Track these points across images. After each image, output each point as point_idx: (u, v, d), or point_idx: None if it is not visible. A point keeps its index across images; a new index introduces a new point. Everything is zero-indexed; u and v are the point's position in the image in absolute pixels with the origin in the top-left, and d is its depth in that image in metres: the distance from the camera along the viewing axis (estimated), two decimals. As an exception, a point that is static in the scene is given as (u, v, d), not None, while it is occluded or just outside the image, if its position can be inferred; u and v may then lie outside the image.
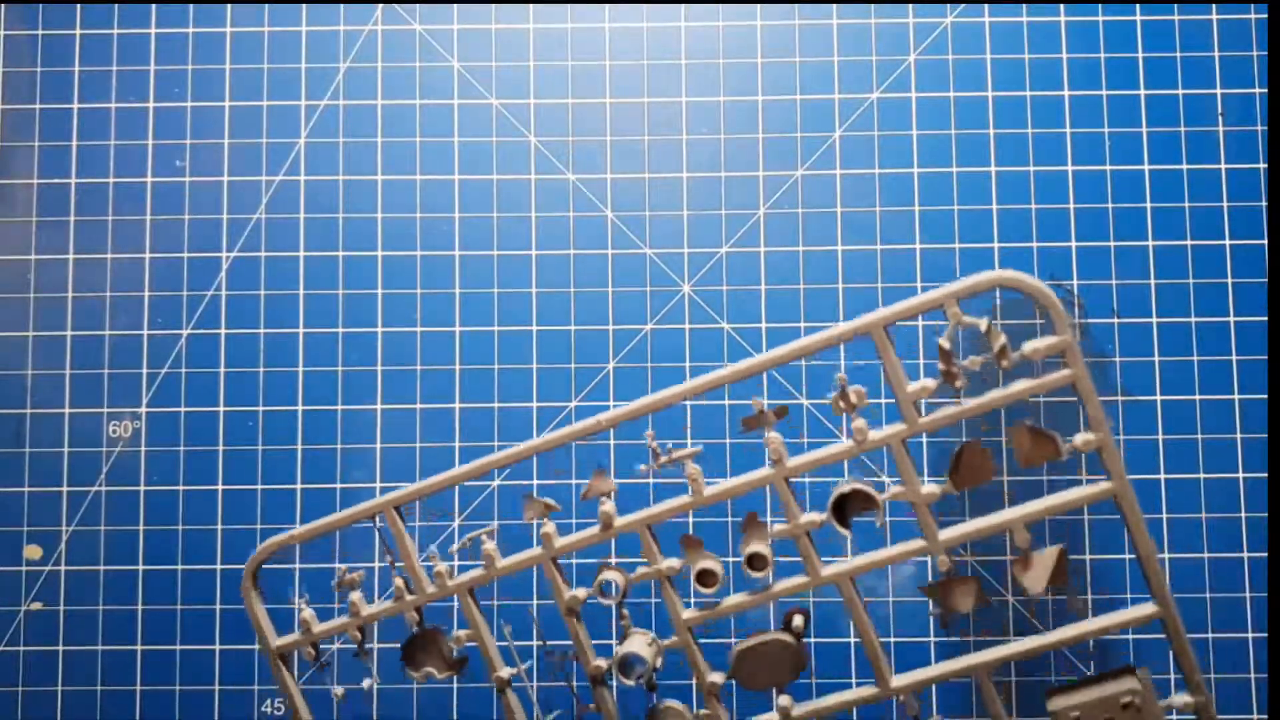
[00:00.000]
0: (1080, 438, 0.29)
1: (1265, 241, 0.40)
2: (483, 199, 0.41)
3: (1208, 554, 0.39)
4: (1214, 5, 0.41)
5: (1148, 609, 0.30)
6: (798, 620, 0.31)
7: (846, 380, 0.30)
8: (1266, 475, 0.39)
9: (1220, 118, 0.41)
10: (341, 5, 0.42)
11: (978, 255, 0.40)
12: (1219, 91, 0.41)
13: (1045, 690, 0.31)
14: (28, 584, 0.40)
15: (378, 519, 0.34)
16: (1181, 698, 0.30)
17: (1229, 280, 0.40)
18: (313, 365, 0.40)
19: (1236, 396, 0.39)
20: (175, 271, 0.41)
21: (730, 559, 0.34)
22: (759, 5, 0.42)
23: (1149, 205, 0.40)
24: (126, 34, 0.42)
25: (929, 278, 0.40)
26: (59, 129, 0.41)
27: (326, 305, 0.41)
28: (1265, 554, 0.39)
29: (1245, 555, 0.39)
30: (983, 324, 0.28)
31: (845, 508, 0.31)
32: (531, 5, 0.42)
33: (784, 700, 0.32)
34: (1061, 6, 0.41)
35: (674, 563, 0.32)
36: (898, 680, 0.31)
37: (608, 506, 0.32)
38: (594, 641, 0.33)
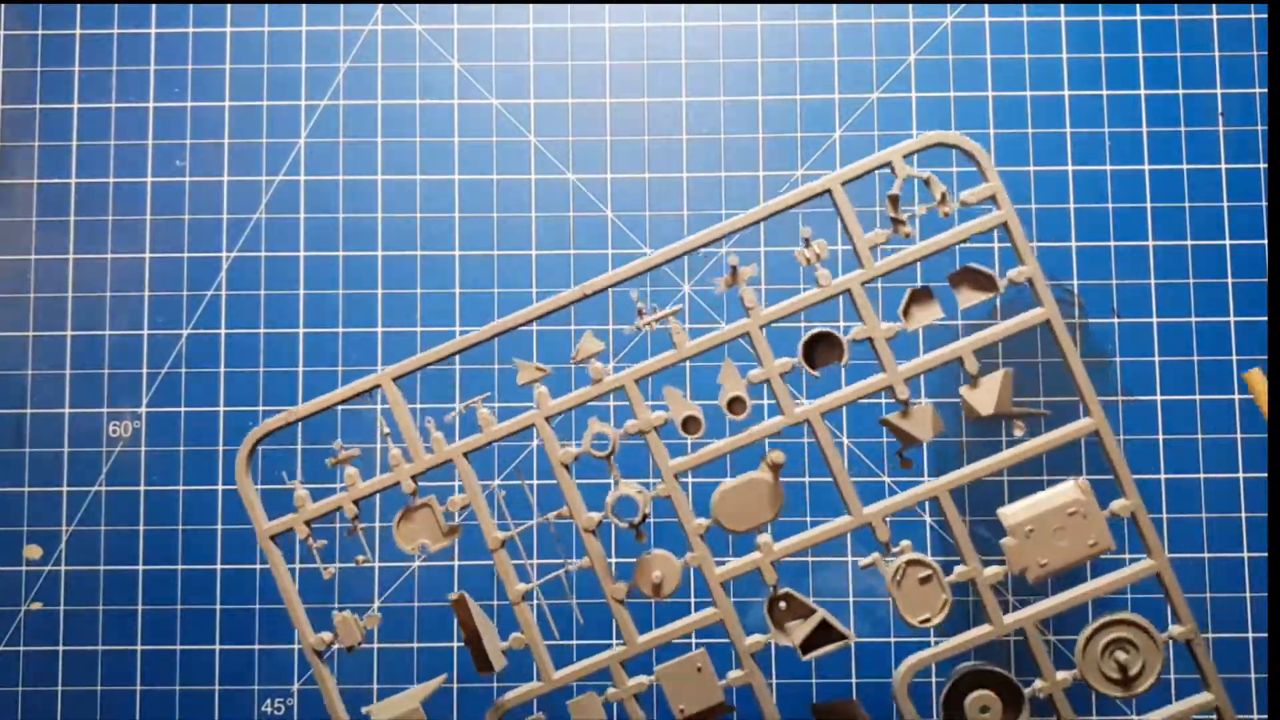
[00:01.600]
0: (1013, 272, 0.33)
1: (1265, 241, 0.40)
2: (483, 199, 0.41)
3: (1208, 554, 0.39)
4: (1214, 5, 0.41)
5: (1084, 424, 0.33)
6: (776, 456, 0.33)
7: (810, 234, 0.33)
8: (1266, 475, 0.39)
9: (1220, 117, 0.41)
10: (341, 5, 0.42)
11: (978, 255, 0.40)
12: (1219, 91, 0.41)
13: (996, 509, 0.33)
14: (28, 584, 0.40)
15: (378, 396, 0.34)
16: (1118, 503, 0.33)
17: (1229, 280, 0.40)
18: (312, 365, 0.40)
19: (1237, 396, 0.39)
20: (175, 271, 0.41)
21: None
22: (759, 5, 0.42)
23: (1149, 205, 0.40)
24: (126, 34, 0.42)
25: (929, 277, 0.40)
26: (59, 129, 0.41)
27: (326, 305, 0.41)
28: (1265, 554, 0.39)
29: (1245, 555, 0.38)
30: (925, 175, 0.33)
31: (814, 354, 0.33)
32: (531, 5, 0.42)
33: (765, 538, 0.33)
34: (1062, 6, 0.41)
35: (660, 414, 0.33)
36: (869, 509, 0.33)
37: (597, 365, 0.34)
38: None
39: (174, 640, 0.39)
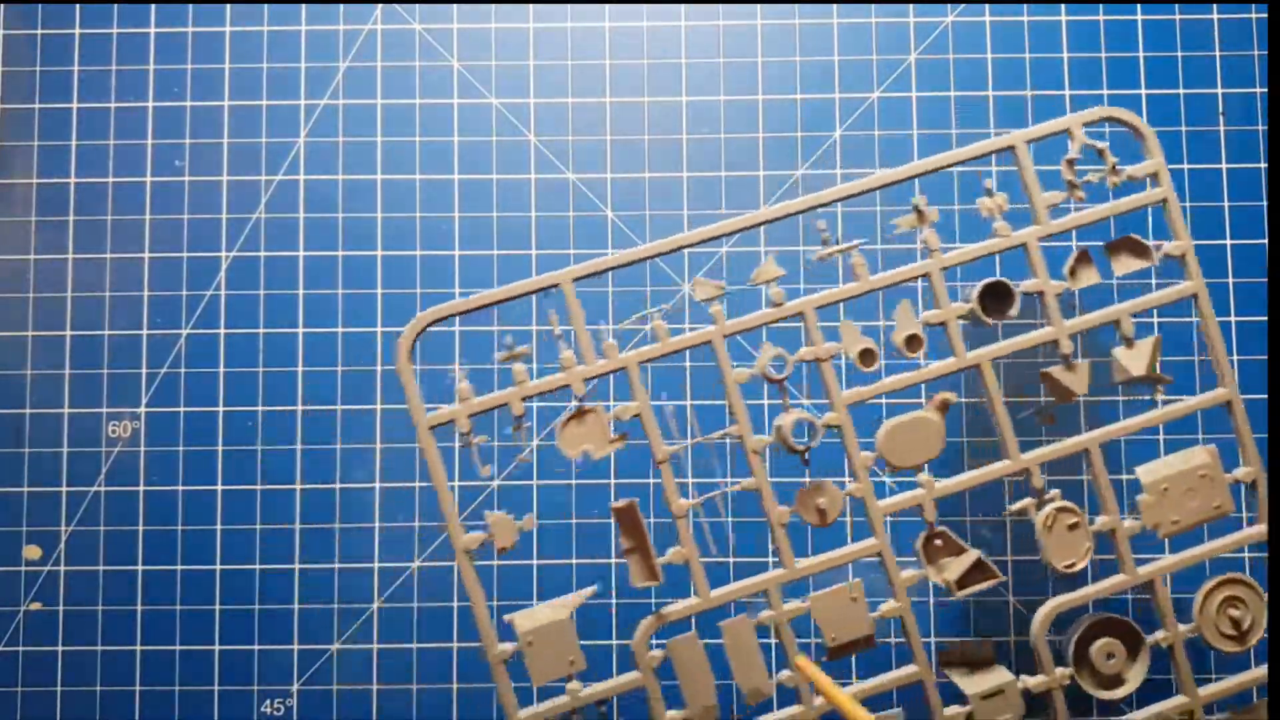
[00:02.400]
0: (1169, 245, 0.35)
1: (1265, 241, 0.40)
2: (483, 198, 0.41)
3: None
4: (1214, 5, 0.41)
5: (1218, 393, 0.35)
6: (947, 396, 0.34)
7: (993, 187, 0.35)
8: (1267, 475, 0.39)
9: (1220, 117, 0.41)
10: (341, 5, 0.42)
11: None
12: (1219, 91, 0.41)
13: (1134, 467, 0.35)
14: (27, 584, 0.40)
15: (550, 293, 0.34)
16: (1241, 470, 0.35)
17: (1229, 280, 0.40)
18: (312, 365, 0.40)
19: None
20: (174, 271, 0.41)
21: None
22: (759, 5, 0.42)
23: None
24: (125, 33, 0.42)
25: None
26: (58, 129, 0.41)
27: (326, 305, 0.41)
28: (1265, 554, 0.39)
29: (1245, 555, 0.38)
30: (1101, 145, 0.35)
31: (986, 303, 0.34)
32: (531, 5, 0.42)
33: (925, 476, 0.34)
34: (1062, 6, 0.41)
35: (834, 345, 0.34)
36: (1026, 456, 0.34)
37: (778, 289, 0.34)
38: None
39: (173, 640, 0.39)
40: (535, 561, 0.39)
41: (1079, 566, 0.34)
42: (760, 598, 0.33)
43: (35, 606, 0.40)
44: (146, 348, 0.41)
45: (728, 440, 0.34)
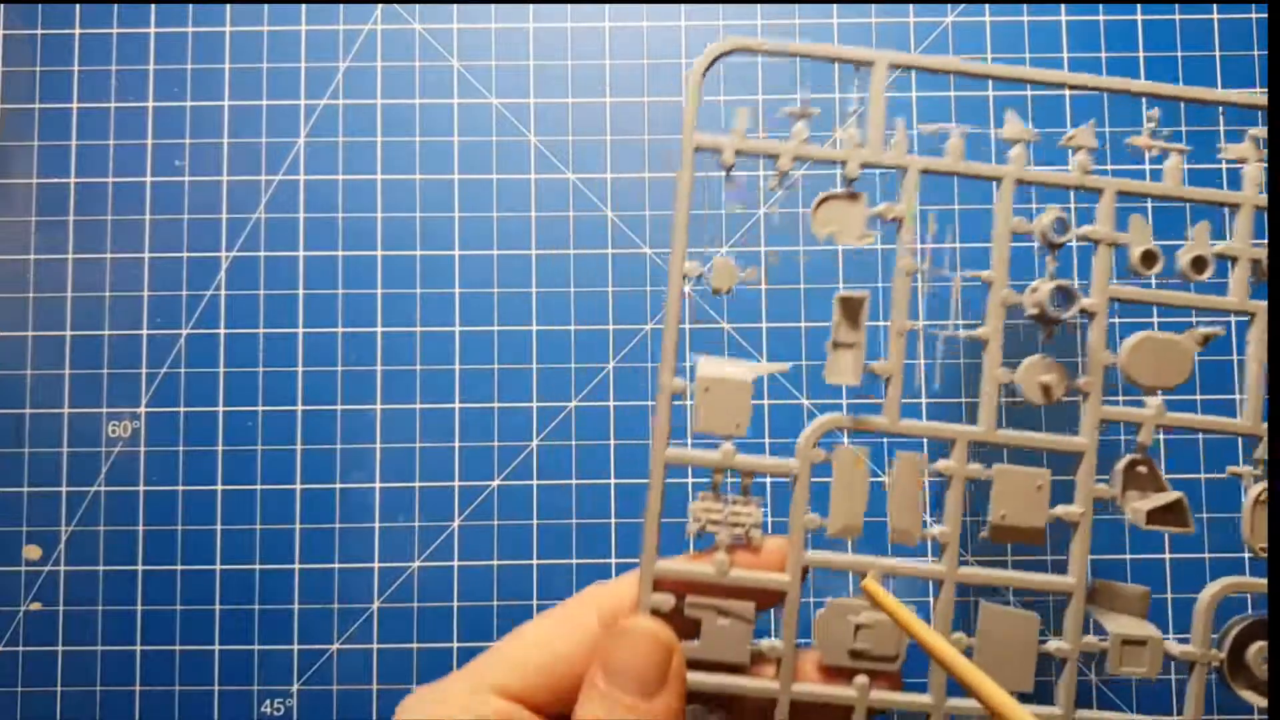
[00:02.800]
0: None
1: (1265, 241, 0.40)
2: (483, 198, 0.41)
3: (1208, 554, 0.39)
4: (1214, 5, 0.41)
5: None
6: (1213, 332, 0.32)
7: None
8: (1266, 475, 0.39)
9: (1220, 117, 0.41)
10: (341, 5, 0.42)
11: (979, 254, 0.40)
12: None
13: None
14: (27, 584, 0.40)
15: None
16: None
17: (1229, 280, 0.40)
18: (312, 365, 0.40)
19: (1237, 396, 0.39)
20: (174, 271, 0.41)
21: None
22: (759, 5, 0.42)
23: (1150, 205, 0.40)
24: (125, 33, 0.42)
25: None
26: (58, 128, 0.41)
27: (326, 305, 0.41)
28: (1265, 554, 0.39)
29: (1246, 555, 0.38)
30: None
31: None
32: (531, 5, 0.42)
33: (1157, 400, 0.31)
34: (1062, 6, 0.41)
35: (1121, 234, 0.31)
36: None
37: (1085, 157, 0.32)
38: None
39: (174, 640, 0.39)
40: (535, 562, 0.39)
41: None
42: (944, 447, 0.31)
43: (35, 606, 0.40)
44: (146, 348, 0.41)
45: (977, 283, 0.31)
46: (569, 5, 0.42)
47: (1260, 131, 0.32)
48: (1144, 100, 0.32)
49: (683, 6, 0.42)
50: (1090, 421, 0.31)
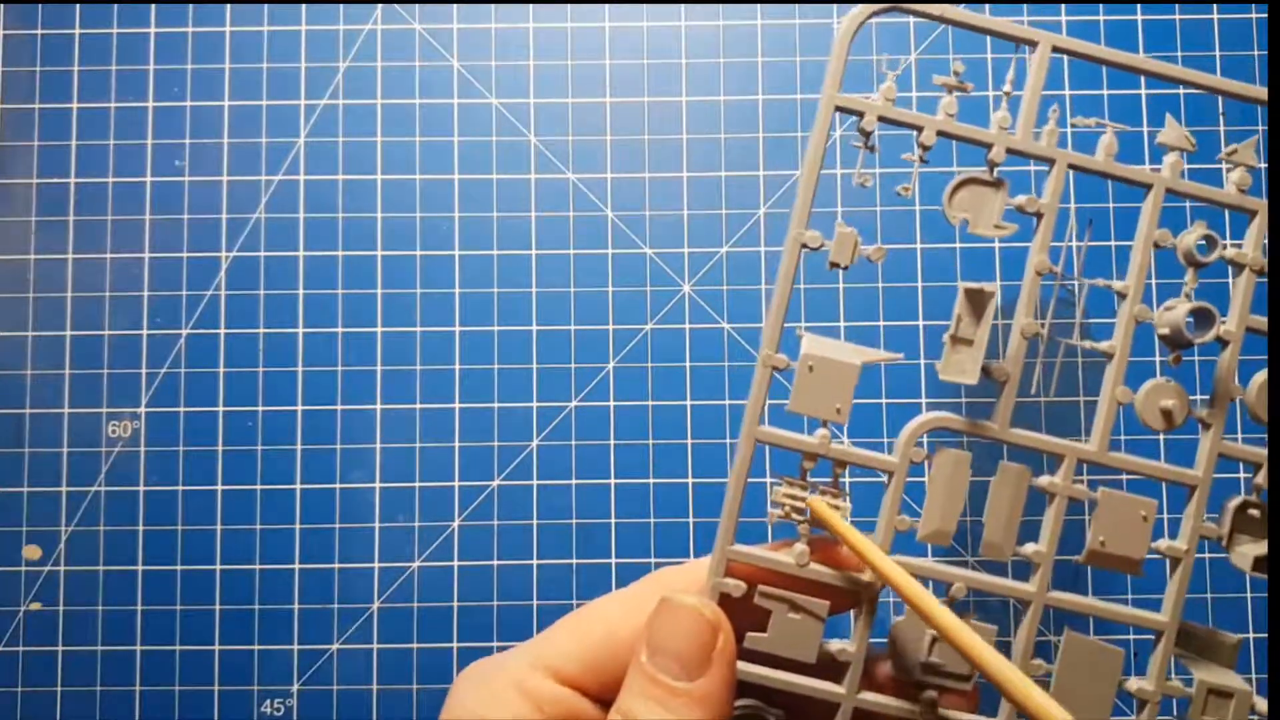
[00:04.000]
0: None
1: (1265, 241, 0.40)
2: (483, 199, 0.41)
3: (1208, 554, 0.39)
4: (1214, 5, 0.41)
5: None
6: None
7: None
8: (1266, 475, 0.39)
9: (1220, 117, 0.41)
10: (341, 5, 0.42)
11: (979, 254, 0.40)
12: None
13: None
14: (27, 584, 0.40)
15: None
16: None
17: (1229, 280, 0.40)
18: (312, 365, 0.40)
19: (1237, 396, 0.39)
20: (174, 271, 0.41)
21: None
22: (759, 5, 0.42)
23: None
24: (126, 33, 0.42)
25: (930, 277, 0.40)
26: (58, 128, 0.41)
27: (326, 305, 0.41)
28: (1265, 554, 0.39)
29: (1245, 555, 0.38)
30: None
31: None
32: (531, 5, 0.42)
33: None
34: (1062, 6, 0.41)
35: (1266, 260, 0.29)
36: None
37: (1244, 175, 0.29)
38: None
39: (174, 640, 0.39)
40: (535, 562, 0.39)
41: None
42: (1052, 461, 0.29)
43: (35, 606, 0.40)
44: (146, 348, 0.41)
45: (1110, 291, 0.29)
46: (569, 5, 0.42)
47: None
48: (1221, 99, 0.30)
49: (682, 6, 0.42)
50: (1208, 455, 0.29)
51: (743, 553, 0.28)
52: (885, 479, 0.28)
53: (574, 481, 0.40)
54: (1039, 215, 0.29)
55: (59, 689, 0.39)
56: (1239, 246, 0.30)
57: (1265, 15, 0.40)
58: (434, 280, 0.41)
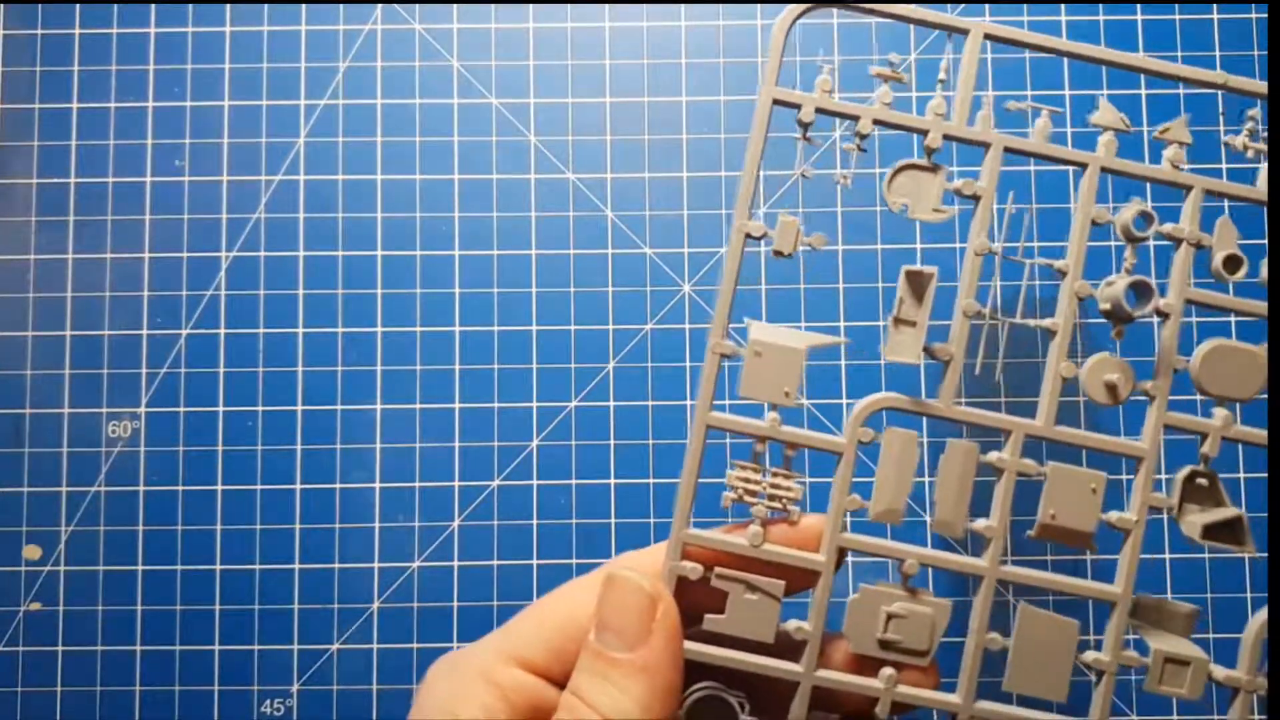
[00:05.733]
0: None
1: (1266, 241, 0.40)
2: (483, 199, 0.41)
3: (1208, 554, 0.39)
4: (1214, 5, 0.41)
5: None
6: None
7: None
8: (1267, 475, 0.39)
9: (1220, 117, 0.41)
10: (341, 5, 0.42)
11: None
12: (1219, 92, 0.40)
13: None
14: (27, 584, 0.40)
15: None
16: None
17: (1228, 279, 0.40)
18: (312, 365, 0.40)
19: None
20: (174, 271, 0.41)
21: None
22: (759, 5, 0.42)
23: (1149, 205, 0.40)
24: (126, 33, 0.42)
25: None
26: (58, 128, 0.41)
27: (326, 305, 0.41)
28: (1265, 554, 0.39)
29: (1245, 555, 0.38)
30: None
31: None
32: (531, 5, 0.42)
33: (1225, 412, 0.30)
34: (1062, 6, 0.41)
35: (1204, 235, 0.30)
36: None
37: (1178, 151, 0.31)
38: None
39: (173, 640, 0.39)
40: (535, 562, 0.39)
41: None
42: (1000, 438, 0.30)
43: (35, 606, 0.40)
44: (146, 348, 0.41)
45: (1053, 270, 0.29)
46: (569, 5, 0.42)
47: None
48: (1221, 97, 0.30)
49: (682, 6, 0.42)
50: (1154, 427, 0.30)
51: (698, 536, 0.28)
52: (836, 459, 0.29)
53: (574, 481, 0.40)
54: (976, 198, 0.29)
55: (59, 689, 0.39)
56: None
57: (1265, 15, 0.40)
58: (434, 280, 0.41)
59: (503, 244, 0.41)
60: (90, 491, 0.40)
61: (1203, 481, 0.30)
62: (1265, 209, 0.32)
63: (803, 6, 0.29)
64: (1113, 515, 0.29)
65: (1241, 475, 0.39)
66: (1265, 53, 0.40)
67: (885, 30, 0.41)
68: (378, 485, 0.40)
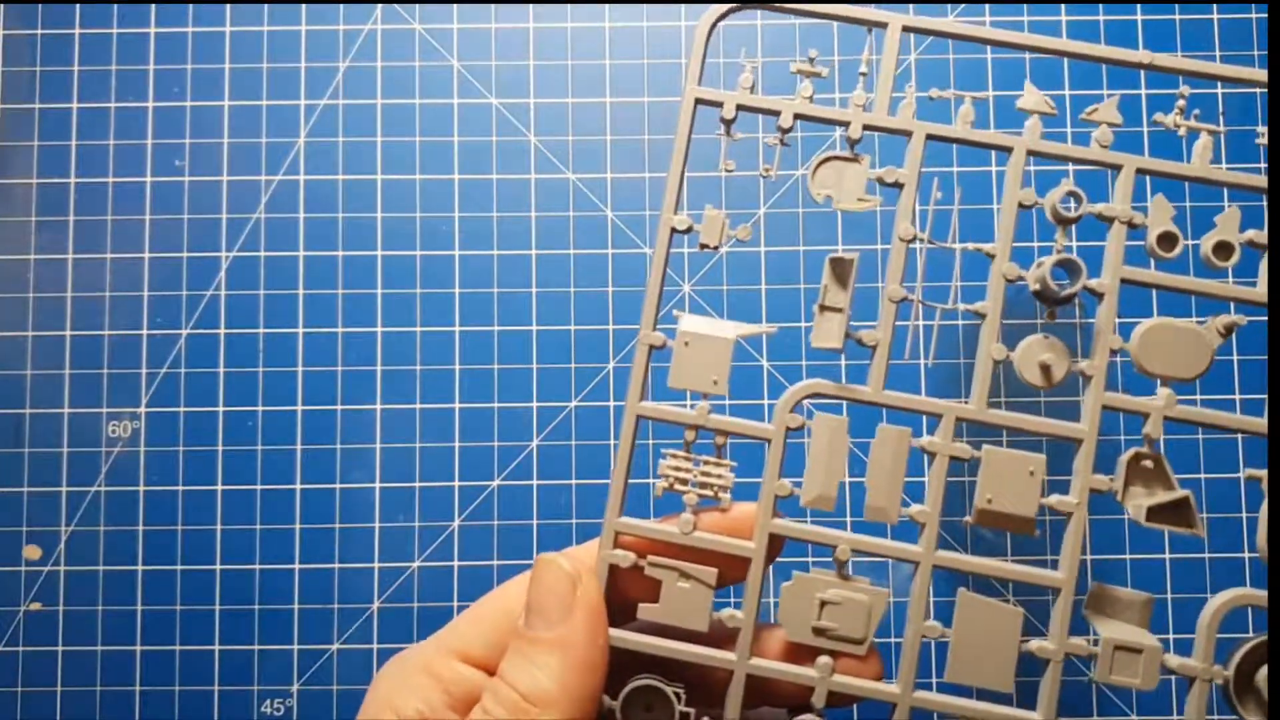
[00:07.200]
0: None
1: (1265, 241, 0.40)
2: (483, 198, 0.41)
3: (1208, 554, 0.39)
4: (1214, 5, 0.41)
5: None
6: (1235, 320, 0.30)
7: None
8: (1266, 475, 0.39)
9: (1220, 117, 0.41)
10: (341, 5, 0.42)
11: (978, 254, 0.40)
12: (1219, 91, 0.40)
13: None
14: (27, 584, 0.40)
15: None
16: None
17: (1229, 280, 0.40)
18: (312, 365, 0.40)
19: (1237, 396, 0.39)
20: (174, 271, 0.41)
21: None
22: (759, 6, 0.41)
23: (1149, 205, 0.40)
24: (125, 33, 0.42)
25: (930, 277, 0.40)
26: (58, 128, 0.41)
27: (326, 305, 0.41)
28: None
29: (1245, 555, 0.38)
30: None
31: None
32: (531, 5, 0.42)
33: (1168, 391, 0.30)
34: (1062, 6, 0.41)
35: (1137, 214, 0.30)
36: None
37: (1105, 131, 0.30)
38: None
39: (173, 640, 0.39)
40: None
41: None
42: (933, 420, 0.29)
43: (35, 606, 0.40)
44: (146, 348, 0.41)
45: (980, 252, 0.30)
46: (569, 5, 0.42)
47: None
48: (1142, 73, 0.31)
49: (683, 6, 0.42)
50: (1092, 408, 0.29)
51: (629, 525, 0.28)
52: (766, 446, 0.29)
53: (574, 481, 0.40)
54: (899, 185, 0.30)
55: (59, 689, 0.39)
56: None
57: (1265, 15, 0.40)
58: (434, 280, 0.41)
59: (503, 244, 0.41)
60: (90, 491, 0.40)
61: (1147, 464, 0.30)
62: (1265, 203, 0.32)
63: (723, 8, 0.30)
64: (1053, 499, 0.29)
65: (1241, 475, 0.39)
66: (1265, 53, 0.40)
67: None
68: (378, 485, 0.40)
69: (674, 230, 0.30)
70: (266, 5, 0.42)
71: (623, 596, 0.28)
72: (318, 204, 0.41)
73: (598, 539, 0.29)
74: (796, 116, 0.30)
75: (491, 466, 0.40)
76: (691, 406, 0.29)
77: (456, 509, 0.40)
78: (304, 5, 0.42)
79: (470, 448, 0.40)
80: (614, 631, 0.28)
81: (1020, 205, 0.29)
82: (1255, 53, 0.41)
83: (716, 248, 0.30)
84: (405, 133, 0.41)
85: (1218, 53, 0.41)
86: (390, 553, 0.40)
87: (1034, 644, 0.28)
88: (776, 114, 0.30)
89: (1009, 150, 0.30)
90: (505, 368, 0.40)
